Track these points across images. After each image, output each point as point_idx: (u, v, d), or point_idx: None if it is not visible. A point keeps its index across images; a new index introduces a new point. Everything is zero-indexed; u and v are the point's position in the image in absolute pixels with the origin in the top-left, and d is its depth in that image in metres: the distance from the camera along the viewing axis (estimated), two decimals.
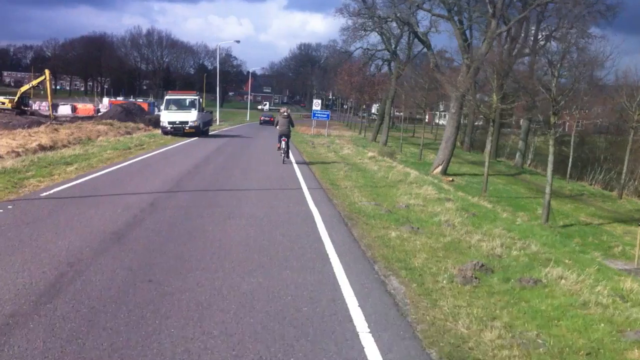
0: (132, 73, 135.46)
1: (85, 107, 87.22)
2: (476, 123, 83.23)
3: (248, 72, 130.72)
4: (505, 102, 35.18)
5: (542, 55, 29.47)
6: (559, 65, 26.11)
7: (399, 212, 13.25)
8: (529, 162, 61.84)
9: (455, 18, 41.17)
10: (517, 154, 55.89)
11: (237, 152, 27.76)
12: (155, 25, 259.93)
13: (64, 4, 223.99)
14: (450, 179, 36.35)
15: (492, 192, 32.69)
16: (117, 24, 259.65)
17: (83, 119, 63.25)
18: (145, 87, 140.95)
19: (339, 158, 27.12)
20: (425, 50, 63.49)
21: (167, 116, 36.65)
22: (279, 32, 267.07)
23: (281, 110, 24.59)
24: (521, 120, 60.14)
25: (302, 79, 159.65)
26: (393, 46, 61.46)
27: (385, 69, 69.31)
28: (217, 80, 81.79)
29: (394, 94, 62.36)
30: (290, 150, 24.27)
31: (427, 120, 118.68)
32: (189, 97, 38.34)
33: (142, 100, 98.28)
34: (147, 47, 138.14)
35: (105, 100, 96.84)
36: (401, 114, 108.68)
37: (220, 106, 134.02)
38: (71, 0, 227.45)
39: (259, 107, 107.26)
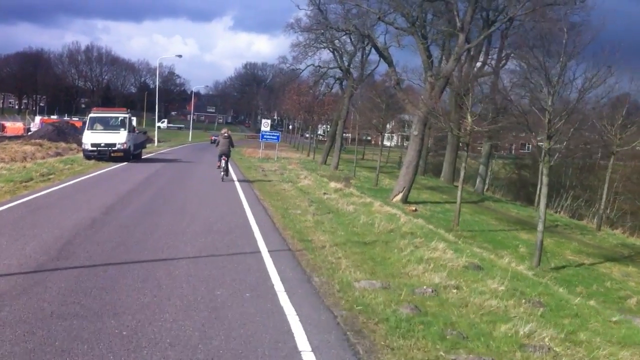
0: (69, 91, 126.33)
1: (14, 126, 79.56)
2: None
3: (192, 91, 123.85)
4: (481, 124, 30.26)
5: (537, 70, 24.68)
6: (556, 82, 21.11)
7: (430, 306, 7.64)
8: (486, 187, 57.63)
9: (418, 32, 36.52)
10: (478, 180, 51.26)
11: (171, 185, 21.60)
12: (98, 43, 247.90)
13: (2, 20, 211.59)
14: (413, 208, 31.41)
15: (461, 224, 27.95)
16: (59, 41, 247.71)
17: (11, 138, 56.80)
18: (84, 106, 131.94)
19: (298, 192, 21.34)
20: (378, 68, 59.72)
21: (90, 137, 30.32)
22: (224, 52, 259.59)
23: (222, 131, 25.26)
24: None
25: (247, 98, 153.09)
26: (346, 63, 56.70)
27: (336, 88, 64.14)
28: (158, 98, 74.76)
29: (346, 115, 57.28)
30: (232, 170, 24.34)
31: (373, 142, 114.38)
32: (117, 115, 32.07)
33: (77, 119, 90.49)
34: (85, 64, 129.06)
35: (38, 118, 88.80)
36: (348, 135, 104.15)
37: None
38: (10, 16, 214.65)
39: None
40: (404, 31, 38.39)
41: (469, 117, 27.58)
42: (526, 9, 32.66)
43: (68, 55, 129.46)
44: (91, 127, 30.95)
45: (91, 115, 31.98)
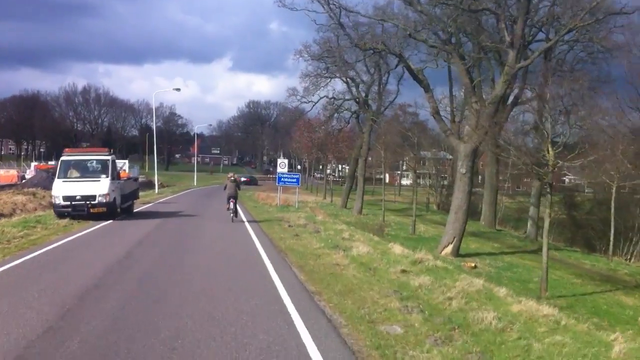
0: (67, 135, 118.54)
1: (7, 174, 71.73)
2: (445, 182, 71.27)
3: (194, 133, 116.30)
4: (566, 158, 22.53)
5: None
6: None
7: None
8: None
9: (457, 51, 29.64)
10: (529, 223, 43.24)
11: (164, 266, 13.54)
12: (95, 83, 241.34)
13: (6, 65, 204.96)
14: (472, 264, 23.91)
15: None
16: (59, 85, 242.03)
17: (4, 187, 49.64)
18: None
19: (362, 270, 13.27)
20: (396, 100, 52.14)
21: (62, 188, 22.62)
22: (225, 93, 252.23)
23: (229, 175, 26.21)
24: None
25: (252, 138, 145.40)
26: (363, 94, 49.36)
27: (351, 122, 56.38)
28: (159, 138, 67.32)
29: (367, 152, 49.70)
30: (254, 234, 20.07)
31: (387, 180, 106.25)
32: (96, 157, 24.38)
33: None
34: (83, 106, 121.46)
35: (33, 165, 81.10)
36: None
37: (166, 169, 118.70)
38: (10, 61, 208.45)
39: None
40: (441, 50, 31.44)
41: (549, 149, 20.19)
42: (585, 21, 26.00)
43: (65, 97, 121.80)
44: (64, 175, 23.23)
45: (63, 158, 24.09)
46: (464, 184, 27.12)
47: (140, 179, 72.79)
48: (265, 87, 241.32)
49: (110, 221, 22.34)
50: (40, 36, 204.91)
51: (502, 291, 11.59)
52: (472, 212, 59.49)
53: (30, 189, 42.62)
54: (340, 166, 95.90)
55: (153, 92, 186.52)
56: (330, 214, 41.20)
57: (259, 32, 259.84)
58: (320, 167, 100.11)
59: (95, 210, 22.20)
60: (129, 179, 27.87)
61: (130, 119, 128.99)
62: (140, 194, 47.35)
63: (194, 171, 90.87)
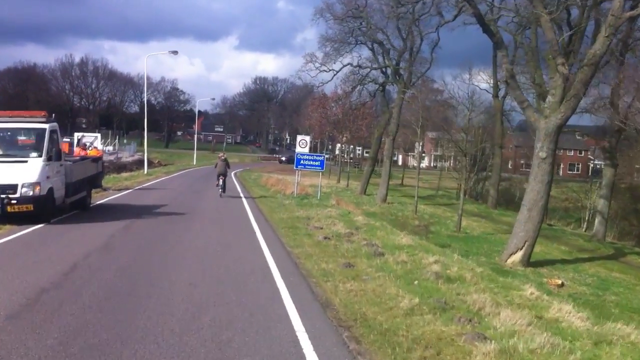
0: (61, 109, 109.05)
1: None
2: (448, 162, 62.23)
3: (199, 110, 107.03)
4: None
5: None
6: None
7: None
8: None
9: None
10: (597, 220, 34.37)
11: None
12: (93, 56, 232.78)
13: (12, 41, 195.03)
14: (559, 281, 15.65)
15: None
16: (57, 57, 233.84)
17: None
18: (84, 126, 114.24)
19: None
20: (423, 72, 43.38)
21: None
22: (231, 72, 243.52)
23: (220, 155, 27.86)
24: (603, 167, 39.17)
25: (257, 116, 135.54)
26: (394, 62, 40.93)
27: (375, 95, 47.35)
28: (159, 114, 58.09)
29: (397, 130, 40.85)
30: (274, 263, 11.66)
31: (399, 163, 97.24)
32: (26, 126, 15.40)
33: (67, 139, 73.44)
34: (80, 79, 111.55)
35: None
36: (363, 153, 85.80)
37: (165, 147, 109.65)
38: (17, 37, 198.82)
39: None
40: None
41: None
42: None
43: (61, 69, 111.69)
44: None
45: None
46: (542, 172, 19.54)
47: (135, 157, 64.07)
48: (271, 66, 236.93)
49: (41, 225, 13.53)
50: (46, 12, 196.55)
51: None
52: (508, 202, 50.98)
53: None
54: (351, 147, 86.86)
55: (160, 72, 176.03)
56: (351, 202, 33.16)
57: (266, 10, 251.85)
58: (330, 147, 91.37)
59: (17, 208, 13.38)
60: (83, 159, 18.70)
61: (130, 93, 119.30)
62: (126, 174, 38.52)
63: (194, 149, 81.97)
